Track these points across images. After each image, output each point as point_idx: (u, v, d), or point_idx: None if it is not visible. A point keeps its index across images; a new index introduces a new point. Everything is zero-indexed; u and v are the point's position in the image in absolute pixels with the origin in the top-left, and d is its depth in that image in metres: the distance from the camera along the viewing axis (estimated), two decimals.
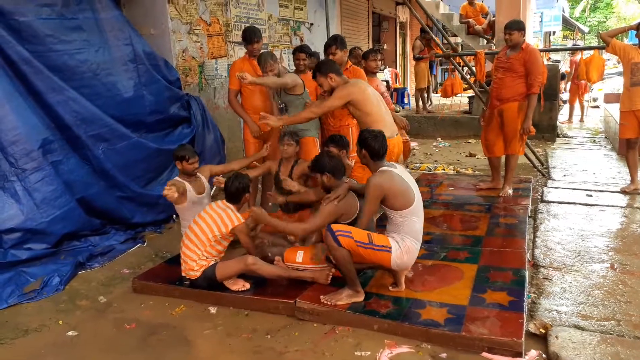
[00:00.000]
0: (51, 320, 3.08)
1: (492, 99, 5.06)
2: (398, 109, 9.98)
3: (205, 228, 3.21)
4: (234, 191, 3.29)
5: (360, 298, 2.96)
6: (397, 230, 2.98)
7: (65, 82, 4.02)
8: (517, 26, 4.78)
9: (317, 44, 7.34)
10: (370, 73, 4.99)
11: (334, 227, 2.91)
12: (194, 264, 3.22)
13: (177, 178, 3.75)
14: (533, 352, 2.52)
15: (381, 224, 3.40)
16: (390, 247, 2.92)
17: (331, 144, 3.79)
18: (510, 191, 5.10)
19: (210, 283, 3.22)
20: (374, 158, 3.01)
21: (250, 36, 4.55)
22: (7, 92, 3.64)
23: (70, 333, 2.94)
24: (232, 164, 4.31)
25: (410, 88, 11.31)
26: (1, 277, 3.35)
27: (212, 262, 3.26)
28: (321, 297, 2.97)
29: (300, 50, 4.71)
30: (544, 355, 2.50)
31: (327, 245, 2.94)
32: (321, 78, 3.72)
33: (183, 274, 3.29)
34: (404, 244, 2.94)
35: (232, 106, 4.71)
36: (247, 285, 3.23)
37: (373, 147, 2.99)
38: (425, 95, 10.33)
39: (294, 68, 4.78)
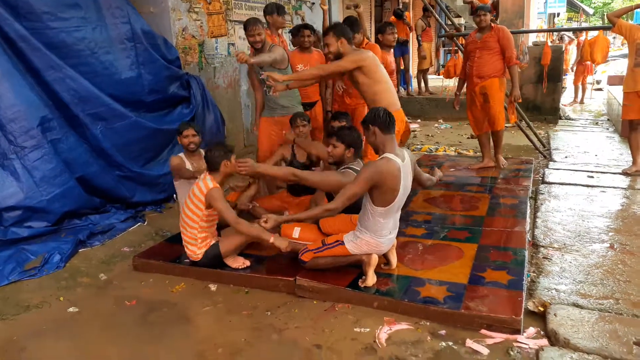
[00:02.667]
0: (52, 297, 3.10)
1: (472, 78, 5.16)
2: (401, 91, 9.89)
3: (191, 205, 3.20)
4: (211, 158, 3.20)
5: (374, 260, 2.92)
6: (360, 222, 2.94)
7: (62, 60, 3.97)
8: (487, 9, 5.18)
9: (319, 23, 7.24)
10: (386, 47, 4.94)
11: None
12: (195, 249, 3.23)
13: (180, 155, 3.77)
14: (531, 330, 2.53)
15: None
16: (341, 241, 2.97)
17: (336, 120, 3.82)
18: (505, 161, 5.44)
19: (213, 262, 3.23)
20: (384, 130, 2.82)
21: (271, 8, 4.55)
22: (4, 69, 3.60)
23: (71, 309, 2.95)
24: None
25: (412, 69, 11.19)
26: (2, 254, 3.35)
27: (213, 242, 3.26)
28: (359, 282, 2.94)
29: (305, 27, 4.69)
30: (542, 333, 2.51)
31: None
32: (332, 38, 3.63)
33: (188, 258, 3.30)
34: (361, 237, 2.92)
35: (251, 81, 4.67)
36: (247, 263, 3.24)
37: (378, 119, 2.83)
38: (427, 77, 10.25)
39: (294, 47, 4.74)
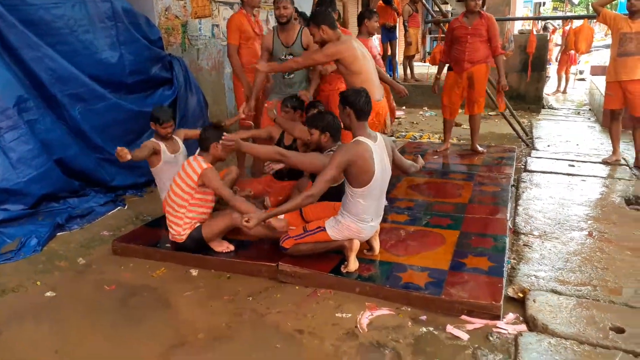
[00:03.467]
0: (29, 281, 3.04)
1: (463, 63, 5.21)
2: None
3: (181, 184, 3.16)
4: (201, 139, 3.20)
5: (355, 245, 2.92)
6: (342, 206, 2.95)
7: (40, 38, 3.86)
8: None
9: (305, 6, 7.15)
10: (368, 34, 4.88)
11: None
12: (179, 229, 3.19)
13: (152, 139, 3.68)
14: (511, 315, 2.56)
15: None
16: (322, 227, 2.97)
17: (310, 108, 3.83)
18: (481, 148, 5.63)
19: (196, 245, 3.20)
20: (358, 116, 2.83)
21: None
22: None
23: (48, 294, 2.90)
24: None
25: (399, 55, 11.14)
26: None
27: (197, 224, 3.22)
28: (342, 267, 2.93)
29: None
30: (521, 318, 2.54)
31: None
32: (314, 28, 3.63)
33: (171, 240, 3.26)
34: (343, 222, 2.91)
35: (231, 62, 4.57)
36: (232, 247, 3.21)
37: (357, 103, 2.80)
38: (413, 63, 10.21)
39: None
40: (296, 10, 4.70)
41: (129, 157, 3.24)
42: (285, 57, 4.15)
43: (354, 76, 3.65)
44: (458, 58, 5.25)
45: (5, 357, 2.34)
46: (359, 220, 2.90)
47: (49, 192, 3.79)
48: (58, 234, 3.61)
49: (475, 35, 5.11)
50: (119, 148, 3.22)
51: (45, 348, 2.41)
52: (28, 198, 3.63)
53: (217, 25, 6.17)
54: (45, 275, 3.12)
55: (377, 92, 3.77)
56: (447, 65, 5.55)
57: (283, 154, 3.16)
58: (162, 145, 3.65)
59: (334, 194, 3.13)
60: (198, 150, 3.26)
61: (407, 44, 9.76)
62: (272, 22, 7.29)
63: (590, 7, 5.31)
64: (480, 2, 5.12)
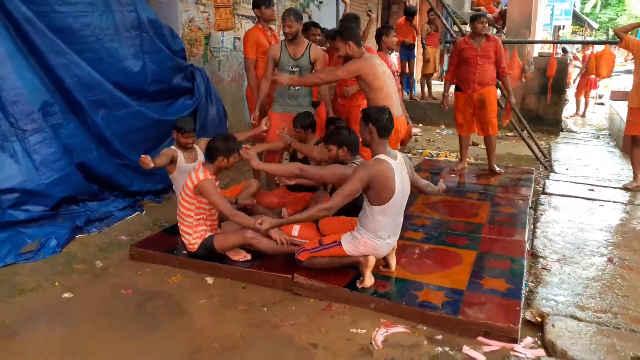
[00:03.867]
0: (47, 282, 3.07)
1: (472, 84, 5.27)
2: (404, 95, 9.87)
3: (184, 195, 3.19)
4: (211, 148, 3.19)
5: (371, 261, 2.90)
6: (359, 222, 2.94)
7: (67, 45, 3.93)
8: (485, 17, 5.42)
9: (325, 21, 7.23)
10: (387, 50, 4.91)
11: None
12: (190, 238, 3.22)
13: (171, 147, 3.73)
14: (529, 339, 2.52)
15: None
16: (338, 241, 2.96)
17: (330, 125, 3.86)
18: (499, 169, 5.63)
19: (209, 254, 3.21)
20: (380, 134, 2.82)
21: (258, 1, 4.47)
22: (8, 50, 3.56)
23: (66, 295, 2.93)
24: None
25: (416, 74, 11.18)
26: None
27: (209, 234, 3.24)
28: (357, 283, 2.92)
29: (315, 26, 4.73)
30: (539, 343, 2.50)
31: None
32: (340, 43, 3.68)
33: (185, 248, 3.29)
34: (360, 238, 2.90)
35: (248, 76, 4.61)
36: (249, 257, 3.22)
37: (380, 121, 2.81)
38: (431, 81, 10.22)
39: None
40: (321, 29, 4.78)
41: (152, 165, 3.29)
42: (292, 69, 4.18)
43: (375, 93, 3.67)
44: (468, 79, 5.28)
45: (22, 358, 2.35)
46: (376, 237, 2.89)
47: (69, 194, 3.83)
48: (77, 236, 3.64)
49: (484, 57, 5.18)
50: (142, 156, 3.27)
51: (61, 351, 2.42)
52: (49, 200, 3.68)
53: (239, 38, 6.25)
54: (63, 277, 3.15)
55: (396, 109, 3.79)
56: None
57: (303, 169, 3.19)
58: (180, 154, 3.69)
59: (352, 209, 3.12)
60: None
61: (425, 62, 9.79)
62: None
63: (611, 32, 5.31)
64: (487, 27, 5.18)
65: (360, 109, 4.39)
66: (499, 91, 6.00)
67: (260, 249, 3.19)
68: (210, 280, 3.13)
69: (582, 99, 10.86)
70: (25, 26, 3.68)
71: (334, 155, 3.33)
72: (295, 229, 3.28)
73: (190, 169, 3.68)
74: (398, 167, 2.85)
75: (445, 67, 14.08)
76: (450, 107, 5.73)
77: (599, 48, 7.57)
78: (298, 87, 4.21)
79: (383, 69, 3.74)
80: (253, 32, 4.56)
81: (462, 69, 5.31)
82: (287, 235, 3.20)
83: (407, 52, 9.29)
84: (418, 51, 10.39)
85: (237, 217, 3.13)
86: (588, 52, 9.36)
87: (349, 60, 3.68)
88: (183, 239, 3.27)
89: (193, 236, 3.21)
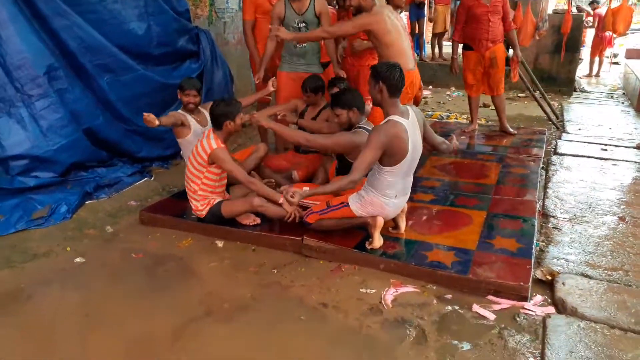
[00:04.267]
0: (59, 247, 3.11)
1: (485, 42, 5.11)
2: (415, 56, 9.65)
3: (194, 162, 3.17)
4: (215, 115, 3.12)
5: (379, 222, 2.89)
6: (367, 181, 2.89)
7: (69, 7, 3.86)
8: None
9: None
10: (395, 8, 4.75)
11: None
12: (198, 204, 3.22)
13: (178, 111, 3.68)
14: (539, 297, 2.52)
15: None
16: (346, 202, 2.94)
17: (332, 87, 3.81)
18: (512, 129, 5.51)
19: (218, 220, 3.22)
20: (391, 92, 2.73)
21: None
22: (11, 13, 3.50)
23: (78, 260, 2.96)
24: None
25: (426, 34, 10.90)
26: (9, 203, 3.35)
27: (217, 200, 3.24)
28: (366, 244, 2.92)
29: None
30: (549, 301, 2.50)
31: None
32: None
33: (193, 213, 3.29)
34: (366, 197, 2.87)
35: (246, 40, 4.50)
36: (258, 220, 3.22)
37: (391, 79, 2.69)
38: (442, 42, 9.97)
39: None
40: None
41: (156, 122, 3.27)
42: (297, 24, 4.05)
43: (386, 49, 3.56)
44: (480, 37, 5.09)
45: (37, 320, 2.40)
46: (383, 195, 2.85)
47: (77, 161, 3.84)
48: (86, 202, 3.67)
49: (495, 13, 5.02)
50: (145, 114, 3.24)
51: (75, 312, 2.46)
52: (57, 166, 3.69)
53: None
54: (74, 242, 3.18)
55: (409, 62, 3.66)
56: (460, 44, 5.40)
57: (308, 139, 3.16)
58: (190, 117, 3.65)
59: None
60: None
61: (430, 21, 9.52)
62: None
63: None
64: None
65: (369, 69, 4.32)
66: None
67: (268, 215, 3.19)
68: (220, 243, 3.14)
69: (597, 59, 10.56)
70: None
71: (344, 120, 3.25)
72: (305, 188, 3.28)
73: (201, 131, 3.66)
74: (410, 127, 2.76)
75: None
76: (460, 69, 5.56)
77: (616, 3, 7.30)
78: (305, 44, 4.10)
79: (394, 22, 3.60)
80: None
81: (471, 27, 5.13)
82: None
83: (416, 12, 9.04)
84: (428, 11, 10.11)
85: (253, 185, 3.12)
86: (599, 10, 9.02)
87: (360, 12, 3.56)
88: (191, 204, 3.27)
89: (201, 202, 3.21)
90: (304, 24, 4.05)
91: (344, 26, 3.66)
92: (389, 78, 2.71)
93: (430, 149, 3.25)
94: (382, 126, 2.74)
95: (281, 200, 3.06)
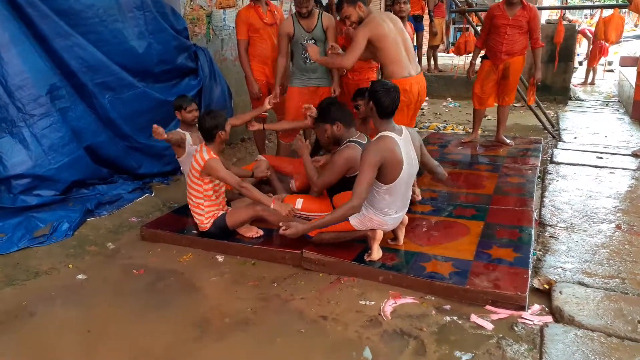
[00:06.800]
0: (61, 264, 3.14)
1: (500, 54, 5.11)
2: None
3: (192, 177, 3.22)
4: (206, 128, 3.16)
5: (379, 235, 2.92)
6: (367, 200, 2.88)
7: (71, 28, 3.92)
8: None
9: None
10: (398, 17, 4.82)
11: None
12: (202, 218, 3.26)
13: (178, 129, 3.74)
14: (536, 306, 2.55)
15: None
16: None
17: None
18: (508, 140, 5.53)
19: (222, 232, 3.26)
20: (380, 114, 2.77)
21: None
22: (13, 35, 3.56)
23: (80, 276, 2.99)
24: (233, 119, 3.95)
25: (423, 46, 11.01)
26: (12, 221, 3.38)
27: (221, 213, 3.28)
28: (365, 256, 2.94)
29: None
30: (546, 310, 2.53)
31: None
32: (350, 8, 3.57)
33: (197, 228, 3.34)
34: (366, 214, 2.90)
35: (240, 59, 4.58)
36: (261, 232, 3.27)
37: (381, 103, 2.73)
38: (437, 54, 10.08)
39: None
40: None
41: (165, 135, 3.32)
42: (306, 41, 4.15)
43: (382, 55, 3.57)
44: (495, 49, 5.13)
45: (40, 337, 2.42)
46: (383, 214, 2.89)
47: (79, 178, 3.88)
48: (88, 219, 3.70)
49: (515, 26, 4.96)
50: (155, 126, 3.30)
51: (77, 328, 2.49)
52: (59, 184, 3.73)
53: None
54: (76, 259, 3.21)
55: (406, 69, 3.60)
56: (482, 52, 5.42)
57: (315, 183, 3.31)
58: (188, 136, 3.70)
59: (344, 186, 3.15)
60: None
61: (433, 34, 9.64)
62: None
63: None
64: None
65: (369, 82, 4.35)
66: None
67: (271, 221, 3.23)
68: (220, 258, 3.18)
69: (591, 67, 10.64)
70: (28, 10, 3.67)
71: (330, 135, 3.32)
72: (299, 202, 3.33)
73: (194, 150, 3.70)
74: (403, 143, 2.80)
75: (451, 39, 13.89)
76: (474, 75, 5.52)
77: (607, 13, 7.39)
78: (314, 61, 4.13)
79: (389, 26, 3.58)
80: (243, 11, 4.50)
81: (491, 37, 5.16)
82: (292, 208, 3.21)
83: (415, 25, 9.14)
84: (426, 23, 10.22)
85: (246, 190, 3.13)
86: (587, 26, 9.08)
87: (360, 23, 3.58)
88: (195, 219, 3.30)
89: (205, 216, 3.26)
90: (312, 41, 4.13)
91: (355, 46, 3.53)
92: (379, 100, 2.75)
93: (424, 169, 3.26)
94: (373, 143, 2.79)
95: (272, 205, 3.07)
